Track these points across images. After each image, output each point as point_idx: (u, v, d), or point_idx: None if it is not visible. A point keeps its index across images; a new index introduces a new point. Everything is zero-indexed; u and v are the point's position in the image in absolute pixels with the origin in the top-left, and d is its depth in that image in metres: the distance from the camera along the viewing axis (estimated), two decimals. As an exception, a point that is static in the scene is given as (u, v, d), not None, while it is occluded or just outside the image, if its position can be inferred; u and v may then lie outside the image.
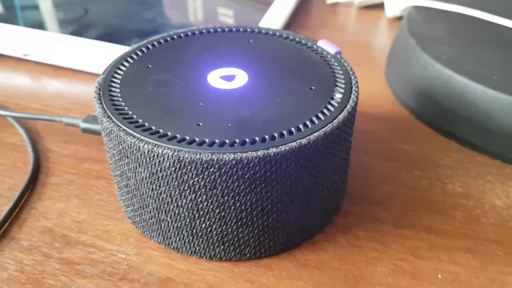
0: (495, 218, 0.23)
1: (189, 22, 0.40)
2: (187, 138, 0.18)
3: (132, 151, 0.19)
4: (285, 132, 0.19)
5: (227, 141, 0.18)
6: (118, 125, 0.19)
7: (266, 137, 0.18)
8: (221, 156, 0.18)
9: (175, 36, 0.25)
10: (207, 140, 0.18)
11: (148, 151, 0.18)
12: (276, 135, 0.18)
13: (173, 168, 0.18)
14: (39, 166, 0.26)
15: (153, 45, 0.24)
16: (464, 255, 0.21)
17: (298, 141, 0.18)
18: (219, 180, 0.18)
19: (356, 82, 0.21)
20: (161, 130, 0.19)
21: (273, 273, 0.20)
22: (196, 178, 0.18)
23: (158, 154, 0.18)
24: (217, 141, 0.18)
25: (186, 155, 0.18)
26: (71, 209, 0.23)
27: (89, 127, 0.25)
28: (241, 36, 0.25)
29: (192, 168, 0.18)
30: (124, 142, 0.19)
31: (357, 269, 0.20)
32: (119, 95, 0.21)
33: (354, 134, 0.27)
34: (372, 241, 0.22)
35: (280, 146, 0.18)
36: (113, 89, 0.21)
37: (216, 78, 0.22)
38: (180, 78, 0.22)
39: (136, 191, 0.20)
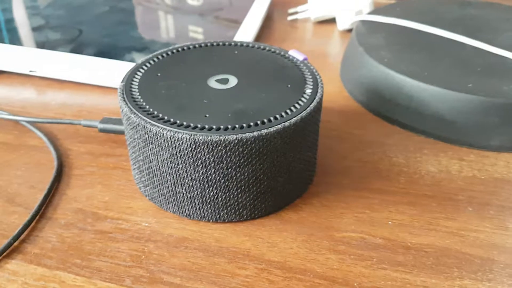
0: (430, 180, 0.30)
1: (161, 39, 0.45)
2: (199, 126, 0.24)
3: (157, 138, 0.25)
4: (272, 118, 0.25)
5: (229, 126, 0.24)
6: (144, 119, 0.25)
7: (258, 122, 0.25)
8: (226, 137, 0.24)
9: (174, 50, 0.31)
10: (214, 127, 0.24)
11: (170, 137, 0.24)
12: (265, 120, 0.25)
13: (190, 149, 0.24)
14: (62, 161, 0.31)
15: (158, 58, 0.30)
16: (407, 207, 0.28)
17: (282, 124, 0.25)
18: (225, 156, 0.24)
19: (321, 80, 0.28)
20: (178, 121, 0.25)
21: (265, 229, 0.27)
22: (207, 155, 0.24)
23: (178, 139, 0.24)
24: (222, 127, 0.24)
25: (200, 138, 0.24)
26: (97, 193, 0.29)
27: (106, 127, 0.30)
28: (228, 48, 0.31)
29: (205, 148, 0.24)
30: (150, 131, 0.25)
31: (328, 221, 0.27)
32: (139, 97, 0.27)
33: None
34: (338, 202, 0.28)
35: (270, 128, 0.24)
36: (133, 92, 0.27)
37: (213, 82, 0.28)
38: (185, 82, 0.28)
39: (157, 171, 0.26)
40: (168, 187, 0.26)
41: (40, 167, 0.31)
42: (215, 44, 0.32)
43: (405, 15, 0.40)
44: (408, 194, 0.29)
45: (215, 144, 0.24)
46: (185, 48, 0.31)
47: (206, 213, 0.26)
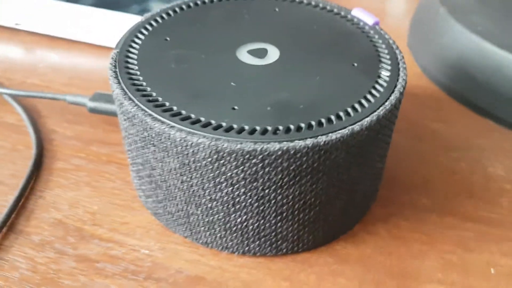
0: (543, 204, 0.21)
1: None
2: (224, 124, 0.16)
3: (160, 139, 0.16)
4: (333, 117, 0.17)
5: (269, 128, 0.16)
6: (142, 109, 0.17)
7: (313, 123, 0.16)
8: (265, 146, 0.15)
9: (191, 4, 0.22)
10: (246, 127, 0.16)
11: (180, 140, 0.16)
12: (323, 120, 0.16)
13: (209, 159, 0.16)
14: (42, 150, 0.24)
15: (168, 14, 0.22)
16: (516, 246, 0.20)
17: (350, 127, 0.16)
18: (261, 173, 0.16)
19: (403, 57, 0.19)
20: (192, 115, 0.16)
21: (312, 270, 0.19)
22: (235, 170, 0.16)
23: (192, 144, 0.16)
24: (258, 128, 0.16)
25: (225, 145, 0.15)
26: (83, 199, 0.21)
27: (97, 106, 0.23)
28: (265, 3, 0.23)
29: (232, 160, 0.16)
30: (150, 128, 0.16)
31: (403, 263, 0.19)
32: (138, 73, 0.18)
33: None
34: (415, 232, 0.20)
35: (330, 134, 0.16)
36: (130, 65, 0.19)
37: (244, 54, 0.19)
38: (205, 53, 0.19)
39: (161, 182, 0.18)
40: (177, 205, 0.18)
41: (15, 155, 0.24)
42: (247, -4, 0.23)
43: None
44: (516, 225, 0.20)
45: (247, 156, 0.16)
46: (205, 1, 0.23)
47: (231, 243, 0.19)
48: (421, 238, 0.20)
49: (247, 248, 0.19)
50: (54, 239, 0.20)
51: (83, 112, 0.25)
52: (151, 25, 0.21)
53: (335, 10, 0.22)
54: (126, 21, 0.30)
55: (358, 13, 0.22)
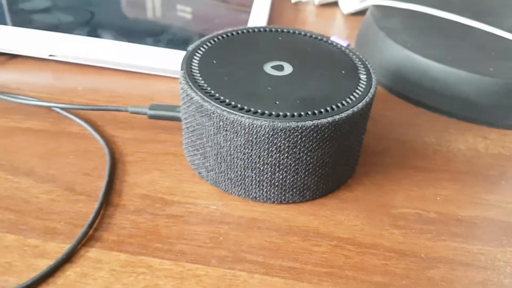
0: (462, 158, 0.32)
1: (147, 18, 0.44)
2: (273, 113, 0.26)
3: (233, 125, 0.25)
4: (339, 105, 0.26)
5: (302, 113, 0.26)
6: (218, 107, 0.26)
7: (328, 109, 0.26)
8: (304, 123, 0.25)
9: (220, 37, 0.31)
10: (288, 114, 0.26)
11: (248, 124, 0.25)
12: (334, 106, 0.26)
13: (267, 135, 0.25)
14: (111, 148, 0.31)
15: (207, 45, 0.31)
16: (449, 183, 0.30)
17: (351, 109, 0.26)
18: (299, 141, 0.26)
19: (372, 66, 0.30)
20: (252, 109, 0.26)
21: (327, 208, 0.28)
22: (283, 141, 0.25)
23: (257, 126, 0.25)
24: (295, 114, 0.26)
25: (279, 125, 0.25)
26: (156, 179, 0.29)
27: (157, 113, 0.31)
28: (270, 34, 0.32)
29: (282, 134, 0.25)
30: (226, 119, 0.25)
31: (383, 199, 0.29)
32: (205, 85, 0.27)
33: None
34: (388, 180, 0.30)
35: (341, 114, 0.26)
36: (197, 80, 0.28)
37: (269, 68, 0.29)
38: (243, 69, 0.29)
39: (227, 156, 0.27)
40: (236, 172, 0.27)
41: (89, 154, 0.31)
42: (256, 30, 0.33)
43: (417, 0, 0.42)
44: (447, 171, 0.31)
45: (292, 131, 0.25)
46: (229, 34, 0.32)
47: (273, 195, 0.28)
48: (390, 183, 0.30)
49: (283, 198, 0.28)
50: (145, 206, 0.28)
51: (131, 121, 0.33)
52: (198, 52, 0.30)
53: (319, 37, 0.32)
54: (145, 50, 0.38)
55: (335, 38, 0.32)
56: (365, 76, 0.29)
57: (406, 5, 0.40)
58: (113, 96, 0.36)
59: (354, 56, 0.31)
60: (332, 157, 0.27)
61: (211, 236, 0.26)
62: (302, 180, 0.27)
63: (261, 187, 0.28)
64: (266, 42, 0.32)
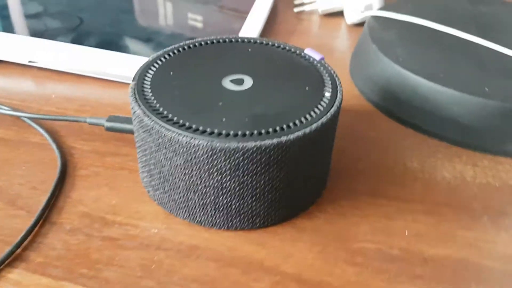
0: (445, 187, 0.29)
1: (164, 30, 0.44)
2: (216, 131, 0.23)
3: (171, 143, 0.23)
4: (291, 124, 0.24)
5: (247, 132, 0.23)
6: (158, 123, 0.24)
7: (277, 128, 0.24)
8: (245, 144, 0.23)
9: (186, 47, 0.30)
10: (231, 132, 0.23)
11: (185, 143, 0.23)
12: (284, 126, 0.24)
13: (206, 155, 0.23)
14: (66, 161, 0.30)
15: (170, 55, 0.29)
16: (424, 216, 0.27)
17: (303, 130, 0.24)
18: (242, 163, 0.23)
19: (340, 82, 0.27)
20: (193, 126, 0.24)
21: (279, 237, 0.26)
22: (224, 163, 0.23)
23: (194, 145, 0.23)
24: (239, 132, 0.23)
25: (218, 144, 0.23)
26: (103, 196, 0.28)
27: (113, 126, 0.29)
28: (241, 45, 0.30)
29: (222, 155, 0.23)
30: (164, 136, 0.23)
31: (344, 230, 0.26)
32: (152, 98, 0.25)
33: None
34: (354, 209, 0.27)
35: (290, 135, 0.23)
36: (146, 92, 0.26)
37: (228, 82, 0.27)
38: (199, 82, 0.27)
39: (169, 176, 0.25)
40: (179, 193, 0.25)
41: (42, 166, 0.30)
42: (227, 40, 0.31)
43: (417, 12, 0.38)
44: (424, 201, 0.28)
45: (232, 152, 0.23)
46: (196, 44, 0.30)
47: (219, 220, 0.26)
48: (356, 213, 0.27)
49: (230, 224, 0.26)
50: (83, 226, 0.26)
51: (95, 132, 0.32)
52: (157, 63, 0.28)
53: (292, 50, 0.30)
54: (125, 59, 0.37)
55: (309, 51, 0.29)
56: (329, 94, 0.26)
57: (405, 17, 0.37)
58: (83, 105, 0.35)
59: (325, 71, 0.28)
60: (284, 182, 0.25)
61: (143, 263, 0.24)
62: (249, 206, 0.25)
63: (206, 211, 0.25)
64: (234, 53, 0.29)
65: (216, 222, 0.26)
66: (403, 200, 0.28)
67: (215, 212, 0.25)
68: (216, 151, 0.23)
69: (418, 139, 0.33)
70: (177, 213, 0.26)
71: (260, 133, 0.23)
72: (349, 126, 0.34)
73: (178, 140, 0.23)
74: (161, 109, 0.25)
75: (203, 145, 0.23)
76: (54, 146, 0.31)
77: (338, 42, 0.45)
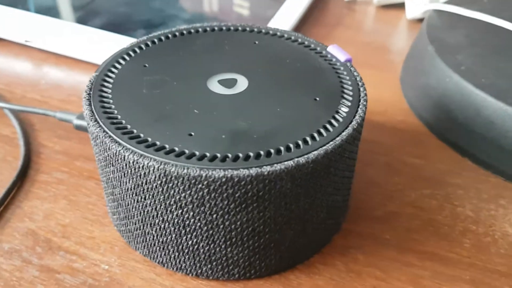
0: (506, 248, 0.21)
1: (203, 12, 0.38)
2: (176, 149, 0.17)
3: (117, 160, 0.17)
4: (282, 148, 0.17)
5: (218, 155, 0.17)
6: (104, 131, 0.18)
7: (261, 153, 0.17)
8: (210, 173, 0.16)
9: (177, 33, 0.23)
10: (197, 153, 0.17)
11: (133, 162, 0.17)
12: (272, 151, 0.17)
13: (159, 182, 0.17)
14: (29, 162, 0.25)
15: (153, 42, 0.23)
16: (466, 286, 0.19)
17: (296, 159, 0.17)
18: (207, 198, 0.17)
19: (365, 95, 0.20)
20: (149, 139, 0.17)
21: (263, 296, 0.19)
22: (183, 194, 0.17)
23: (143, 166, 0.17)
24: (207, 154, 0.17)
25: (173, 169, 0.16)
26: (58, 211, 0.22)
27: (83, 124, 0.24)
28: (247, 36, 0.23)
29: (179, 183, 0.17)
30: (109, 149, 0.17)
31: (353, 297, 0.19)
32: (110, 96, 0.19)
33: (361, 144, 0.25)
34: (372, 267, 0.20)
35: (275, 165, 0.16)
36: (104, 89, 0.20)
37: (215, 83, 0.20)
38: (177, 80, 0.20)
39: (121, 200, 0.19)
40: (135, 224, 0.19)
41: (3, 165, 0.25)
42: (232, 28, 0.24)
43: (494, 9, 0.30)
44: (473, 266, 0.20)
45: (193, 181, 0.16)
46: (192, 31, 0.24)
47: (184, 264, 0.19)
48: (375, 273, 0.20)
49: (199, 271, 0.19)
50: (23, 248, 0.21)
51: (73, 129, 0.27)
52: (134, 51, 0.22)
53: (312, 46, 0.23)
54: (123, 42, 0.31)
55: (333, 49, 0.22)
56: (346, 110, 0.19)
57: (476, 14, 0.29)
58: (71, 95, 0.30)
59: (348, 78, 0.21)
60: (269, 226, 0.18)
61: (75, 312, 0.18)
62: (223, 252, 0.18)
63: (167, 251, 0.19)
64: (235, 45, 0.23)
65: (181, 267, 0.19)
66: (444, 262, 0.20)
67: (178, 254, 0.19)
68: (171, 177, 0.16)
69: (476, 175, 0.25)
70: (135, 247, 0.20)
71: (235, 158, 0.17)
72: (387, 149, 0.26)
73: (125, 157, 0.17)
74: (115, 112, 0.19)
75: (154, 168, 0.16)
76: (21, 142, 0.26)
77: (393, 40, 0.37)
